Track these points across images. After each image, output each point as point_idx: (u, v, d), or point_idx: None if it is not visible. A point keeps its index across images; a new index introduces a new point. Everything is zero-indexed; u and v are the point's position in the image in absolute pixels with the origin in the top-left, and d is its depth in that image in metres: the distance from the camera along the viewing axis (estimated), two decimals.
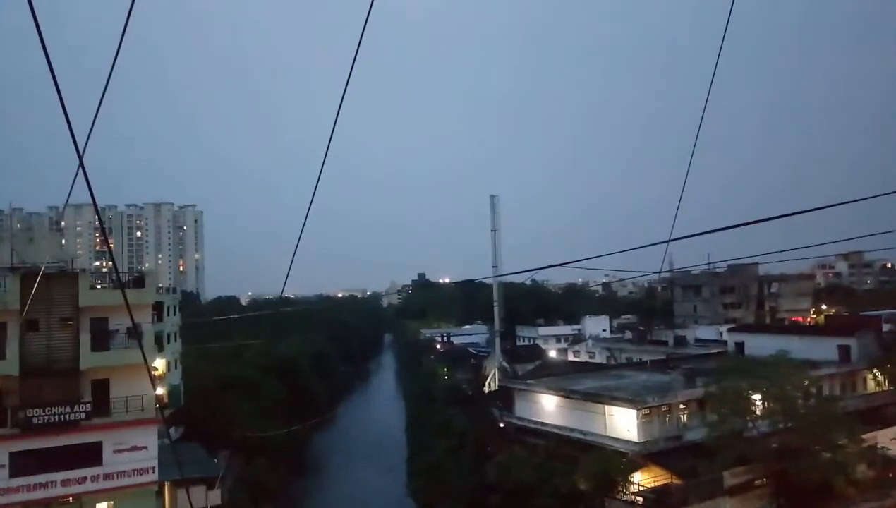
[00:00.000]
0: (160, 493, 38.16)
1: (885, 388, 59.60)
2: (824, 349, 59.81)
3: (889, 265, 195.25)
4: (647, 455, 43.29)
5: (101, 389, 35.59)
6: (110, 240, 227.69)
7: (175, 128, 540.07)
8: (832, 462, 38.50)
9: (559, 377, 60.97)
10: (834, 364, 58.17)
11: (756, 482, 41.33)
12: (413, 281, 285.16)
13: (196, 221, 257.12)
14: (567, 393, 51.43)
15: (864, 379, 60.28)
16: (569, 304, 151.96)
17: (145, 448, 35.32)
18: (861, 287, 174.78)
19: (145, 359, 27.84)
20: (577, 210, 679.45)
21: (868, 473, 42.65)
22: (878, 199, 8.46)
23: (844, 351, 60.24)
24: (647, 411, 44.95)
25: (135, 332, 32.16)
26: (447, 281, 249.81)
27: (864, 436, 42.97)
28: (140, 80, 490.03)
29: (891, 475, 43.10)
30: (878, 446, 46.94)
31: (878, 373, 60.20)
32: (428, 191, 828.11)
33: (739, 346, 67.24)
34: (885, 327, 66.65)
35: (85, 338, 34.93)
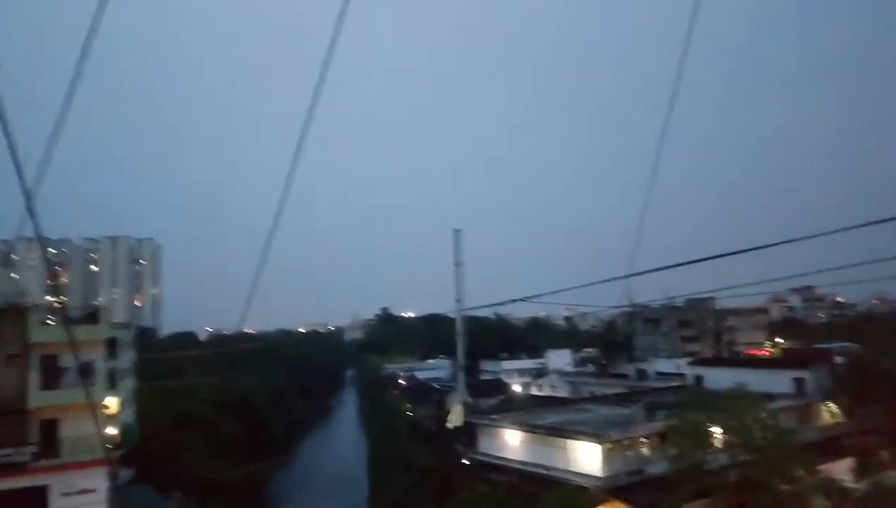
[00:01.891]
0: None
1: (840, 420, 60.98)
2: (780, 381, 61.11)
3: (840, 299, 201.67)
4: (609, 490, 43.26)
5: (50, 429, 34.19)
6: (63, 275, 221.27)
7: (137, 158, 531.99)
8: (790, 494, 39.04)
9: (522, 411, 60.83)
10: (790, 396, 59.42)
11: None
12: (376, 315, 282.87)
13: (154, 255, 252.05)
14: (530, 428, 51.31)
15: (819, 411, 61.62)
16: (532, 338, 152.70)
17: (94, 491, 33.92)
18: (814, 320, 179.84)
19: (93, 400, 26.88)
20: (543, 244, 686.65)
21: (825, 505, 43.29)
22: (830, 236, 8.78)
23: (799, 383, 61.65)
24: (609, 445, 45.09)
25: (83, 369, 31.15)
26: (411, 315, 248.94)
27: (820, 468, 43.74)
28: (93, 112, 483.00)
29: (847, 506, 43.80)
30: (834, 478, 47.80)
31: (832, 405, 61.62)
32: (392, 225, 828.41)
33: (698, 379, 68.24)
34: (838, 359, 68.46)
35: (33, 376, 33.65)
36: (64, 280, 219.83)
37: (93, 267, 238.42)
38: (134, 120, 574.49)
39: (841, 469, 49.61)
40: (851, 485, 47.51)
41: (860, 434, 54.82)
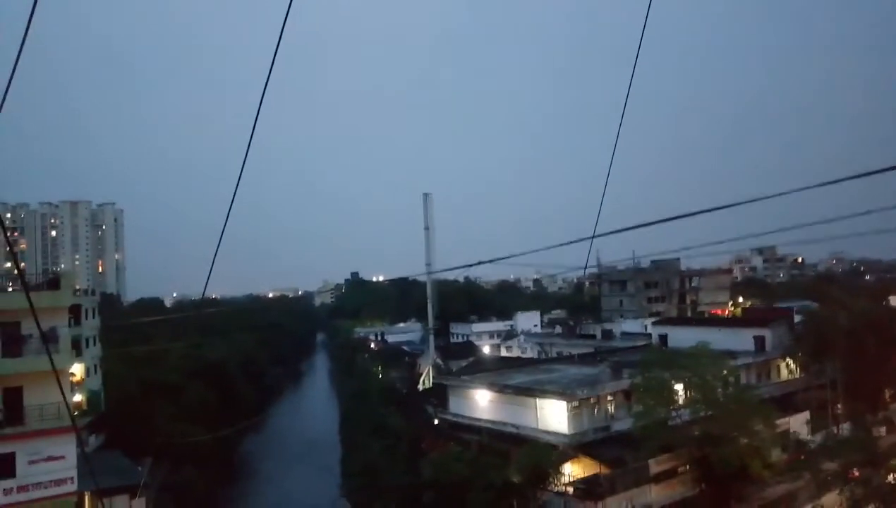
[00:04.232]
0: (80, 504, 36.42)
1: (797, 376, 63.10)
2: (741, 340, 62.78)
3: (799, 259, 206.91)
4: (577, 447, 44.34)
5: (14, 397, 33.62)
6: (22, 241, 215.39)
7: (101, 124, 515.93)
8: (749, 447, 40.48)
9: (492, 372, 61.66)
10: (750, 354, 61.13)
11: (679, 468, 43.03)
12: (346, 279, 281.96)
13: (116, 220, 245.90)
14: (500, 388, 52.09)
15: (778, 368, 63.64)
16: (501, 301, 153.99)
17: (63, 457, 33.60)
18: (774, 280, 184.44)
19: (53, 367, 26.42)
20: (514, 207, 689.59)
21: (782, 457, 45.05)
22: (793, 195, 8.91)
23: (760, 341, 63.43)
24: (576, 403, 46.03)
25: (44, 337, 30.53)
26: (381, 279, 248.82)
27: (777, 422, 45.39)
28: (56, 77, 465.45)
29: (802, 458, 45.68)
30: (791, 431, 49.68)
31: (790, 362, 63.67)
32: (362, 188, 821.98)
33: (663, 339, 69.78)
34: (797, 318, 70.50)
35: None
36: (22, 246, 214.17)
37: (52, 233, 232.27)
38: (95, 83, 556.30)
39: (798, 423, 51.53)
40: (807, 438, 49.48)
41: (816, 388, 56.89)
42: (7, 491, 32.19)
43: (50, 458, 33.23)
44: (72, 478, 33.79)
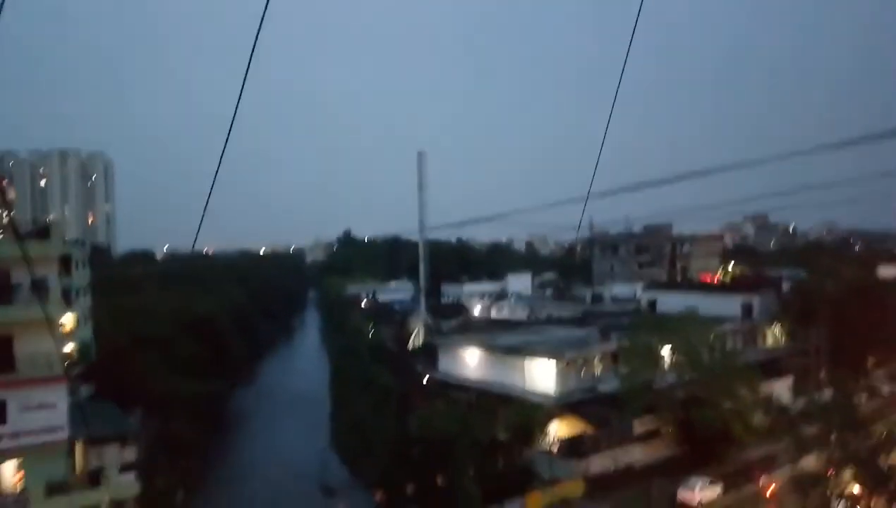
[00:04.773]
0: (71, 451, 36.82)
1: (783, 342, 64.01)
2: (730, 306, 63.45)
3: (791, 228, 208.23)
4: (563, 406, 45.05)
5: (5, 345, 33.64)
6: (10, 190, 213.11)
7: (85, 71, 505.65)
8: (732, 410, 41.25)
9: (482, 333, 62.20)
10: (738, 320, 61.84)
11: (663, 430, 43.87)
12: (338, 237, 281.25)
13: (106, 170, 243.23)
14: (489, 348, 52.59)
15: (764, 334, 64.49)
16: (493, 262, 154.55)
17: (54, 405, 33.83)
18: (765, 247, 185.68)
19: (48, 316, 26.41)
20: (509, 167, 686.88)
21: (764, 420, 45.92)
22: (786, 162, 8.85)
23: (747, 307, 64.12)
24: (564, 364, 46.59)
25: (35, 285, 30.41)
26: (373, 235, 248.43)
27: (761, 387, 46.15)
28: (44, 21, 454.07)
29: (784, 422, 46.48)
30: (774, 395, 50.56)
31: (776, 328, 64.51)
32: (355, 145, 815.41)
33: (652, 303, 70.41)
34: (785, 285, 71.14)
35: None
36: (11, 195, 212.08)
37: (41, 183, 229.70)
38: (86, 27, 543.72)
39: (781, 388, 52.43)
40: (789, 402, 50.40)
41: (800, 354, 57.75)
42: None
43: (41, 406, 33.45)
44: (63, 426, 34.08)
